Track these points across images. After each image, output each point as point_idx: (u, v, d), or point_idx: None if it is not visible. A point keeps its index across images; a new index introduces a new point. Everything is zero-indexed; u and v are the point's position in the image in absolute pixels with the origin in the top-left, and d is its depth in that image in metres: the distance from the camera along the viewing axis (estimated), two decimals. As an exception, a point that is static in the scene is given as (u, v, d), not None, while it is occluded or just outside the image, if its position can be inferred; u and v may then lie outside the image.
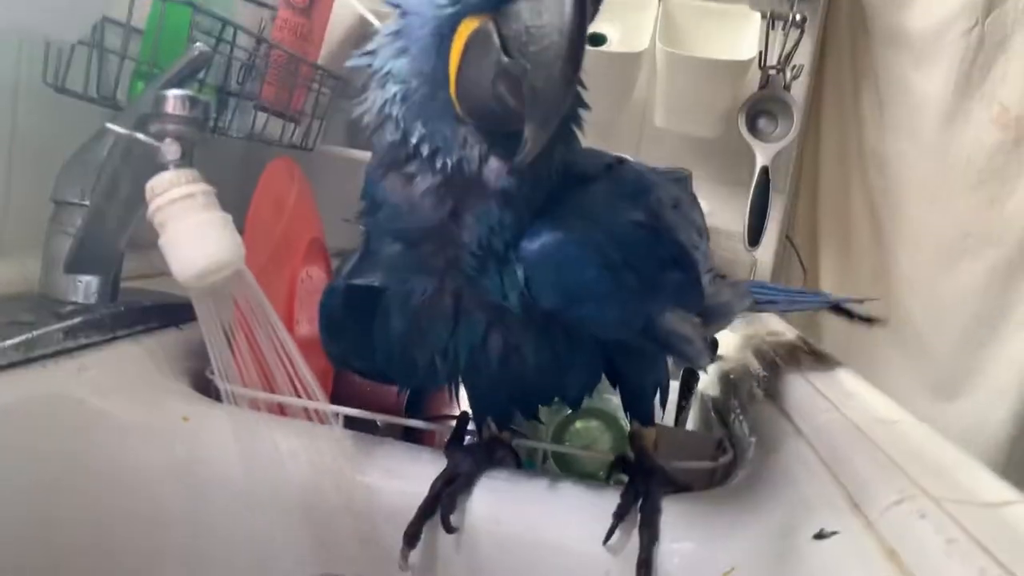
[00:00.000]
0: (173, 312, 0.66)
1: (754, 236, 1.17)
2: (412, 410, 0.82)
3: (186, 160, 0.47)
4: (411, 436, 0.74)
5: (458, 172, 0.42)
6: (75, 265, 0.58)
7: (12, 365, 0.51)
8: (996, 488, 0.38)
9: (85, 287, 0.60)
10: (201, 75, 0.64)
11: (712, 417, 0.75)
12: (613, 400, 0.91)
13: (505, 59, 0.39)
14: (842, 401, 0.54)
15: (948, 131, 1.27)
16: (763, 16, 1.15)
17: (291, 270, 0.71)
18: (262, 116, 0.81)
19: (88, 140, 0.59)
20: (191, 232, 0.45)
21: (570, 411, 0.90)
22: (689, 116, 1.18)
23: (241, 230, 0.53)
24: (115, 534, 0.54)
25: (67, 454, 0.52)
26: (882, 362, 1.30)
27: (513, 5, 0.39)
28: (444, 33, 0.41)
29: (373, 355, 0.50)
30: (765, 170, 1.17)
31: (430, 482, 0.51)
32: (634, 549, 0.46)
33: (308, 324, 0.76)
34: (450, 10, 0.41)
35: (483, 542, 0.50)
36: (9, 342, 0.50)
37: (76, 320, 0.56)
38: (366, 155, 0.95)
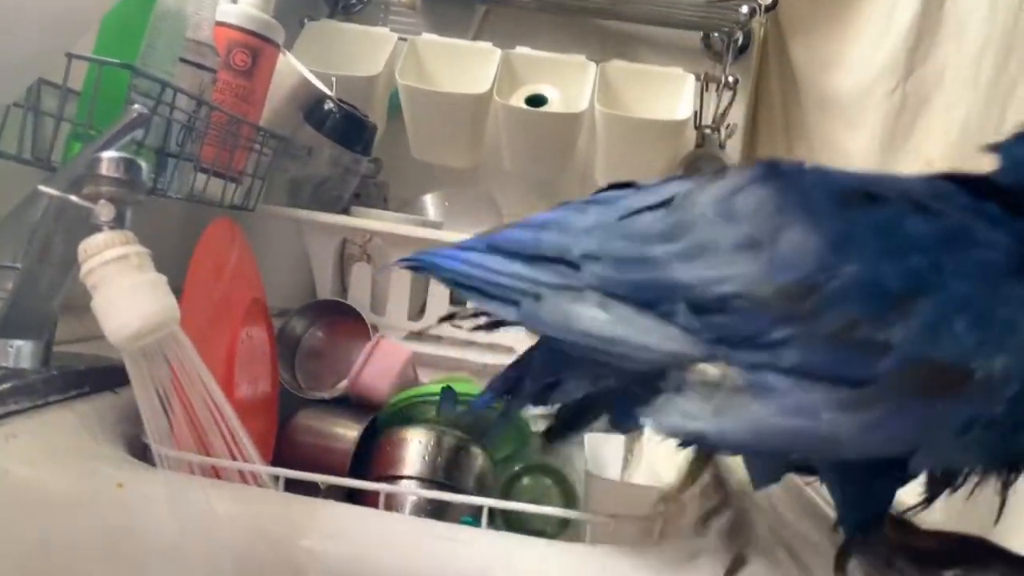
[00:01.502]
0: (108, 376, 0.65)
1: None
2: (357, 473, 0.81)
3: (120, 222, 0.47)
4: (356, 500, 0.73)
5: None
6: (6, 329, 0.57)
7: (-65, 434, 0.49)
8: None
9: (16, 352, 0.58)
10: (140, 136, 0.64)
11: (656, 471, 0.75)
12: (561, 455, 0.91)
13: None
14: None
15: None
16: (697, 78, 1.19)
17: (231, 332, 0.70)
18: (202, 177, 0.80)
19: (20, 202, 0.58)
20: (124, 293, 0.44)
21: (518, 467, 0.90)
22: (628, 174, 1.19)
23: (180, 291, 0.52)
24: (44, 610, 0.52)
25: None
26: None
27: None
28: None
29: None
30: (703, 225, 1.20)
31: (373, 544, 0.50)
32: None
33: (248, 386, 0.75)
34: None
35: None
36: (-67, 410, 0.48)
37: (5, 386, 0.54)
38: (308, 215, 0.95)
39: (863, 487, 0.41)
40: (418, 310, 0.97)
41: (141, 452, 0.60)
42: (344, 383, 0.85)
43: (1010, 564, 0.42)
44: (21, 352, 0.59)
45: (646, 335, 0.41)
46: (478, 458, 0.81)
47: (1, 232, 0.58)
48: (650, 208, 0.45)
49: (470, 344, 0.94)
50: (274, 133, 0.90)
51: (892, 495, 0.42)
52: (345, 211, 1.03)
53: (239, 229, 0.77)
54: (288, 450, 0.84)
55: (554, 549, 0.51)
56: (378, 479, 0.78)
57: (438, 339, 0.95)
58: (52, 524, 0.52)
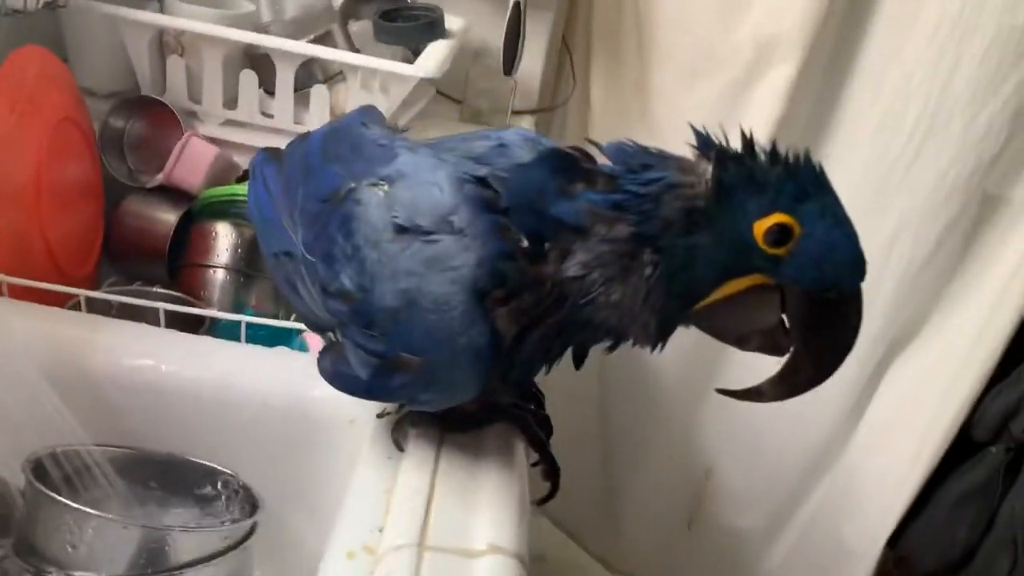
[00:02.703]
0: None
1: (508, 65, 1.29)
2: (173, 257, 0.97)
3: None
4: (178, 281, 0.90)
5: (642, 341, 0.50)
6: None
7: None
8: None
9: None
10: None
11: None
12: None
13: (783, 323, 0.48)
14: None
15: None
16: None
17: (37, 140, 0.81)
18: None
19: None
20: None
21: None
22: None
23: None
24: None
25: None
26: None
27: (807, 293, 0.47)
28: (726, 274, 0.47)
29: None
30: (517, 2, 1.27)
31: (158, 360, 0.68)
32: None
33: (66, 181, 0.87)
34: (741, 264, 0.47)
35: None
36: None
37: None
38: (116, 11, 1.00)
39: None
40: (232, 98, 1.06)
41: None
42: (160, 177, 0.98)
43: (514, 419, 0.61)
44: None
45: (317, 307, 0.56)
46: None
47: None
48: (325, 200, 0.56)
49: (281, 131, 1.06)
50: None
51: None
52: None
53: (45, 53, 0.85)
54: (117, 230, 0.99)
55: (279, 356, 0.70)
56: (192, 265, 0.95)
57: (252, 127, 1.06)
58: None
